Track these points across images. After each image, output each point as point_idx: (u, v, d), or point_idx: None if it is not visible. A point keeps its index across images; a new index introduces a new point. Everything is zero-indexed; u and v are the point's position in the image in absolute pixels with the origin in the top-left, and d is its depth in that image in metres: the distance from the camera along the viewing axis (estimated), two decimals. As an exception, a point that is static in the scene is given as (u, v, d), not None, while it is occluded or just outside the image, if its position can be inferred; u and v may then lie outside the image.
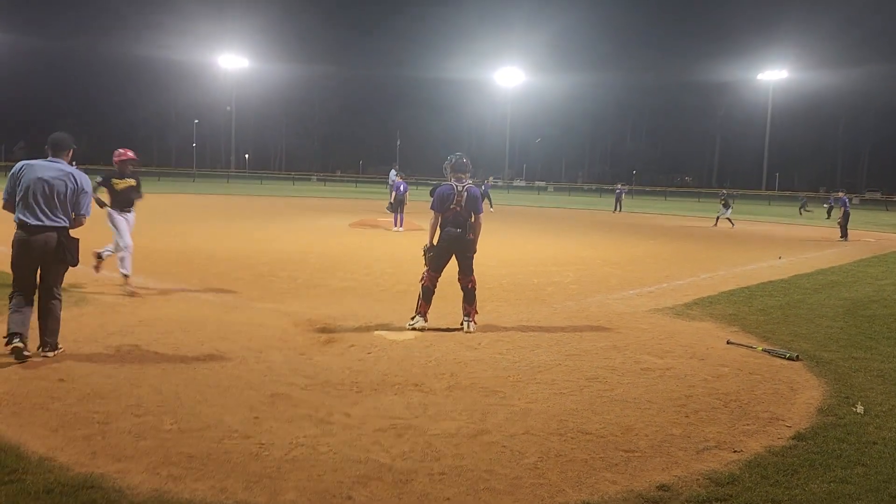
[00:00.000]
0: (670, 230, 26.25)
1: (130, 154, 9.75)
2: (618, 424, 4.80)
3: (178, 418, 4.59)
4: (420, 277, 7.73)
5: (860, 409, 5.22)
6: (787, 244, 21.03)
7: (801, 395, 5.59)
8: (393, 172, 29.94)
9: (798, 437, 4.63)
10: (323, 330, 7.31)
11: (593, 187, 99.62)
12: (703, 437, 4.61)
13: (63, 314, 7.40)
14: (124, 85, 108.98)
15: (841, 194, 24.75)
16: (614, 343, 7.20)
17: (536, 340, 7.20)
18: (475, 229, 7.59)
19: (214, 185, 60.90)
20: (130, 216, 9.63)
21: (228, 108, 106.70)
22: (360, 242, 16.92)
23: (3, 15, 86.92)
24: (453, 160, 7.67)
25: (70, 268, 6.11)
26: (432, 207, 7.63)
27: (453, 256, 7.68)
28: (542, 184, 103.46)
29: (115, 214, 9.49)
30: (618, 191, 41.34)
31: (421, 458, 4.13)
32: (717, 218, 29.70)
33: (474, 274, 7.69)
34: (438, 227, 7.62)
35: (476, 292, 7.67)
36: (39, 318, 5.94)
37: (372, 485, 3.75)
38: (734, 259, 16.16)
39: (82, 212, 5.99)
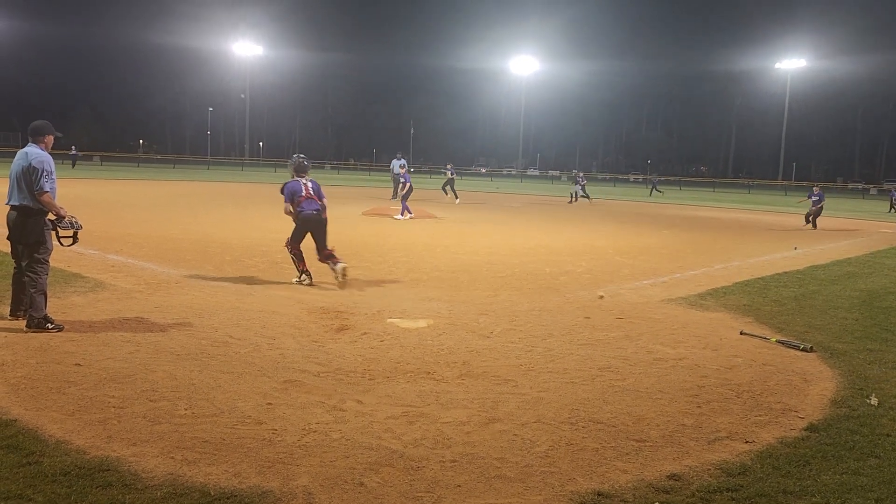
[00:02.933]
0: (685, 220, 26.09)
1: None
2: (629, 414, 4.80)
3: (192, 403, 4.64)
4: (285, 243, 9.43)
5: (874, 400, 5.18)
6: (803, 235, 20.84)
7: (814, 387, 5.56)
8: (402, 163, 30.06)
9: (811, 428, 4.61)
10: (336, 317, 7.35)
11: (607, 177, 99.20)
12: (715, 428, 4.60)
13: (79, 300, 7.54)
14: (139, 72, 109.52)
15: (816, 189, 23.55)
16: (627, 333, 7.19)
17: (548, 329, 7.21)
18: (325, 210, 9.62)
19: (229, 173, 61.10)
20: None
21: (243, 95, 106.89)
22: (373, 231, 16.96)
23: (19, 3, 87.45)
24: (295, 163, 9.63)
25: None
26: (286, 199, 9.45)
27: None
28: (556, 173, 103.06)
29: None
30: (579, 178, 37.67)
31: (432, 445, 4.15)
32: (576, 195, 34.34)
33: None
34: (295, 211, 9.43)
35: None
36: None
37: (383, 471, 3.77)
38: (749, 249, 16.06)
39: (35, 189, 6.22)
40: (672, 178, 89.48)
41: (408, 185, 21.14)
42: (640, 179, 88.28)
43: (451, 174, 32.54)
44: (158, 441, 4.02)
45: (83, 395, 4.69)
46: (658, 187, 52.19)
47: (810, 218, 23.03)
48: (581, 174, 40.67)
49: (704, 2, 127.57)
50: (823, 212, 23.61)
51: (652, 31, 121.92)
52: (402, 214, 19.99)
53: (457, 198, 31.17)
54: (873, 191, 73.35)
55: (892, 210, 37.37)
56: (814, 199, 22.98)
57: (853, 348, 6.80)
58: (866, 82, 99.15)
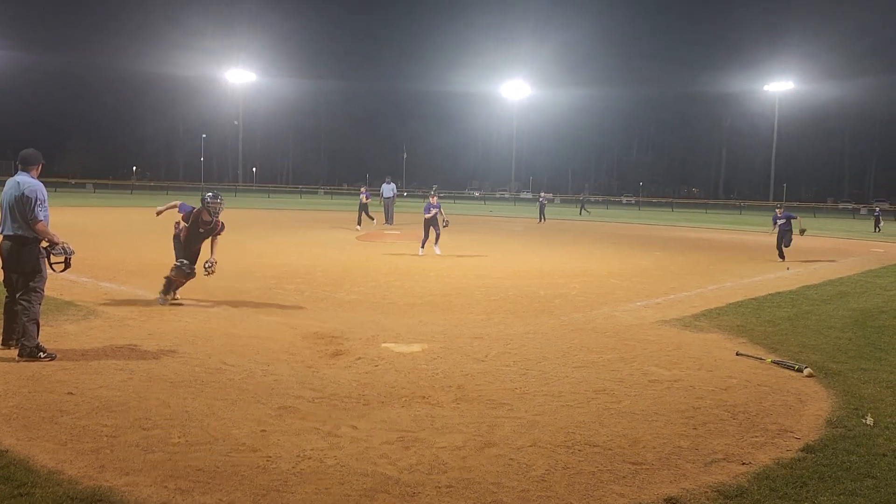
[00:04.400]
0: (677, 241, 26.19)
1: None
2: (625, 437, 4.78)
3: (186, 431, 4.60)
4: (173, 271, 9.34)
5: (869, 420, 5.19)
6: (795, 255, 20.95)
7: (809, 407, 5.56)
8: (392, 187, 30.09)
9: (807, 449, 4.61)
10: (330, 343, 7.33)
11: (599, 199, 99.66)
12: (712, 450, 4.59)
13: (72, 328, 7.50)
14: (133, 101, 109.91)
15: (780, 210, 18.75)
16: (621, 355, 7.19)
17: (543, 352, 7.20)
18: None
19: (222, 199, 61.02)
20: None
21: (236, 122, 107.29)
22: (367, 255, 16.95)
23: (11, 32, 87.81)
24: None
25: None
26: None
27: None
28: (550, 196, 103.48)
29: None
30: (540, 200, 39.96)
31: (428, 470, 4.13)
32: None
33: None
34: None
35: None
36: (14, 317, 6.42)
37: (379, 498, 3.75)
38: (742, 270, 16.12)
39: (30, 217, 6.22)
40: (664, 200, 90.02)
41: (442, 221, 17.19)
42: (550, 198, 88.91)
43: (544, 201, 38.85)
44: (152, 470, 3.98)
45: (76, 425, 4.65)
46: (587, 207, 54.17)
47: (781, 246, 18.23)
48: (542, 193, 41.87)
49: (693, 26, 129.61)
50: (806, 232, 19.37)
51: (641, 55, 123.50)
52: (423, 248, 16.93)
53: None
54: (863, 210, 73.83)
55: (877, 229, 37.55)
56: (780, 222, 18.32)
57: (847, 368, 6.81)
58: (853, 104, 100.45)
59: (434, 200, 16.86)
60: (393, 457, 4.31)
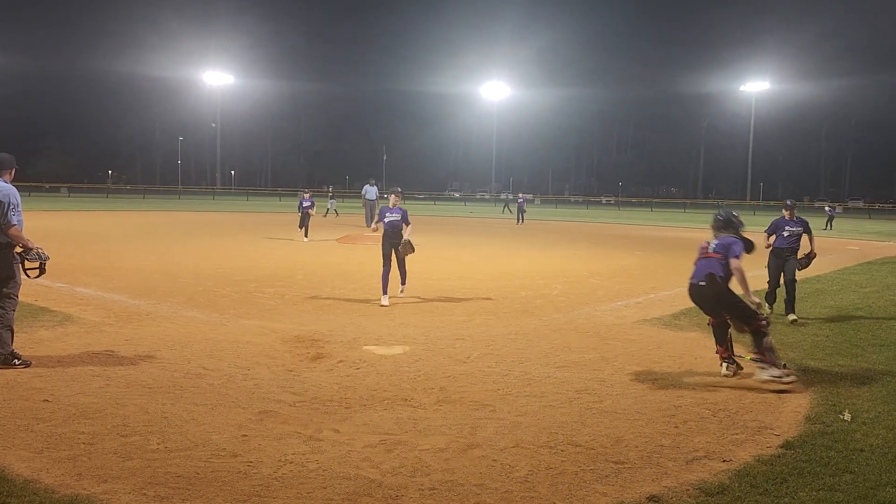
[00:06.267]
0: (657, 241, 26.37)
1: None
2: (608, 436, 4.80)
3: (165, 438, 4.55)
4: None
5: (847, 416, 5.25)
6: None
7: (788, 404, 5.62)
8: (375, 189, 29.89)
9: (786, 445, 4.65)
10: (311, 346, 7.29)
11: (580, 199, 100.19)
12: (693, 447, 4.62)
13: (47, 334, 7.39)
14: (108, 102, 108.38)
15: (788, 214, 10.34)
16: (603, 354, 7.22)
17: (525, 353, 7.21)
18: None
19: (200, 203, 60.65)
20: None
21: (213, 124, 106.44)
22: (348, 258, 16.88)
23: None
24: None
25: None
26: (739, 254, 6.47)
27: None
28: (530, 196, 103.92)
29: None
30: (520, 200, 39.61)
31: (411, 473, 4.11)
32: (327, 210, 39.46)
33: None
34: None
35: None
36: None
37: (362, 501, 3.72)
38: (720, 269, 16.24)
39: (2, 222, 6.09)
40: (643, 200, 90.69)
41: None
42: (529, 198, 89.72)
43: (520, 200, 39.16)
44: (130, 477, 3.92)
45: (52, 432, 4.58)
46: (510, 207, 53.68)
47: (777, 282, 10.32)
48: (521, 195, 41.81)
49: (670, 28, 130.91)
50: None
51: (620, 56, 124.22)
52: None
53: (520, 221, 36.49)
54: (839, 209, 74.98)
55: (828, 227, 37.89)
56: (786, 233, 10.22)
57: (825, 365, 6.89)
58: (828, 104, 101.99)
59: (394, 202, 10.78)
60: (375, 460, 4.28)
